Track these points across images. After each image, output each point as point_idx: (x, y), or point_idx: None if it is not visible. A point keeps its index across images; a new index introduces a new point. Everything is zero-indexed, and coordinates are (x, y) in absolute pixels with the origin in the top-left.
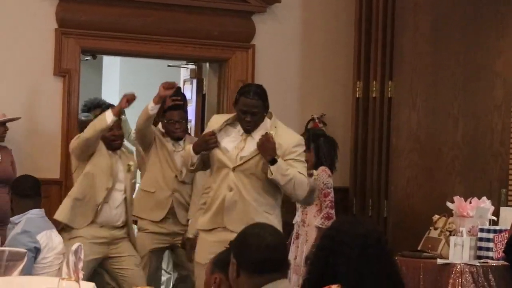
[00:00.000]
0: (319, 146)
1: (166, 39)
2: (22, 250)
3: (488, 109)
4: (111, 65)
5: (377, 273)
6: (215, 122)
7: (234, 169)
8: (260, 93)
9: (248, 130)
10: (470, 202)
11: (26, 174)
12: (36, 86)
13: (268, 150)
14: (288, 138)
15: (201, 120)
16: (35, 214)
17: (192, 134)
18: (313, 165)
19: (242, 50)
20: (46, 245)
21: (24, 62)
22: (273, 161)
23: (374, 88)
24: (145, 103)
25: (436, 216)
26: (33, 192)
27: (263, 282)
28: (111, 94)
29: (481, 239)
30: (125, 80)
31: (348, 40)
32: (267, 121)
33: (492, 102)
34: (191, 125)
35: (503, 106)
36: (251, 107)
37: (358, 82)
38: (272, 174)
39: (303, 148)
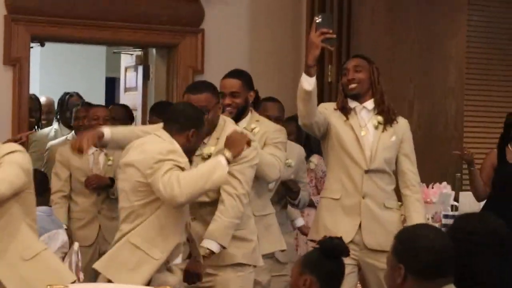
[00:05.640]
0: (309, 134)
1: (115, 25)
2: None
3: (442, 92)
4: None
5: None
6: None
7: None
8: None
9: None
10: (432, 188)
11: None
12: None
13: None
14: None
15: (147, 108)
16: (42, 212)
17: (138, 122)
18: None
19: (191, 35)
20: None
21: None
22: None
23: (329, 73)
24: (81, 91)
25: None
26: (41, 188)
27: None
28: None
29: (445, 226)
30: (62, 69)
31: (300, 22)
32: None
33: (446, 85)
34: (137, 113)
35: (456, 89)
36: None
37: None
38: None
39: None
